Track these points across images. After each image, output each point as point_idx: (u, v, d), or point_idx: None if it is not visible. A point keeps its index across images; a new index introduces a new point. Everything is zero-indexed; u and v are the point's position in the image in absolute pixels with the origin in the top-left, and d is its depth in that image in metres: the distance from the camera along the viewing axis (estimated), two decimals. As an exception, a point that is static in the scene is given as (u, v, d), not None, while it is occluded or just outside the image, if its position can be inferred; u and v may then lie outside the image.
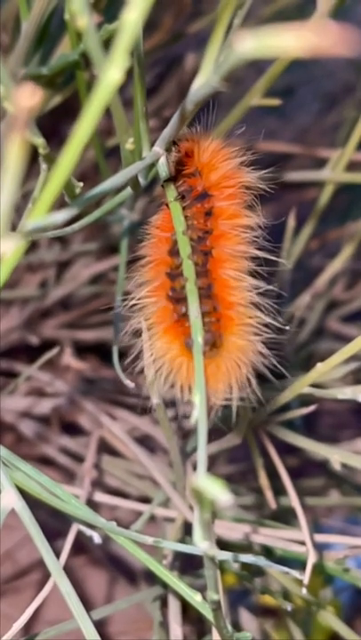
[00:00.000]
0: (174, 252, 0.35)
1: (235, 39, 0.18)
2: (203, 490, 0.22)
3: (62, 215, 0.23)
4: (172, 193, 0.34)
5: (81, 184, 0.33)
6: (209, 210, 0.35)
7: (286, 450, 0.49)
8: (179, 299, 0.35)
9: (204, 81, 0.26)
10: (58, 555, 0.36)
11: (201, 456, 0.27)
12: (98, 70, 0.23)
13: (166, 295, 0.35)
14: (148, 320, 0.36)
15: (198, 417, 0.28)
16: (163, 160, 0.34)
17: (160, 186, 0.36)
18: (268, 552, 0.47)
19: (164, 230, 0.36)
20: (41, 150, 0.30)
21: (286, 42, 0.16)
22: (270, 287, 0.35)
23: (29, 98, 0.16)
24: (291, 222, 0.56)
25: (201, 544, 0.25)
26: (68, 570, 0.35)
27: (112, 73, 0.20)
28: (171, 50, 0.65)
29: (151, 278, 0.36)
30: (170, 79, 0.68)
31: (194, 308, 0.31)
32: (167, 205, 0.35)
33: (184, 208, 0.35)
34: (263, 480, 0.48)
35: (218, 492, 0.21)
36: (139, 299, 0.36)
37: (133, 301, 0.36)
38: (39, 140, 0.29)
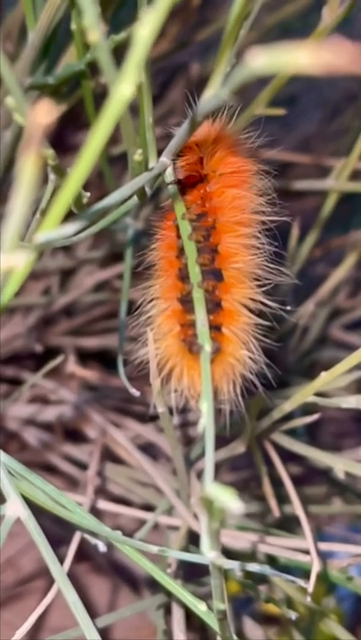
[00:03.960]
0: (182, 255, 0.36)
1: (247, 55, 0.18)
2: (212, 498, 0.22)
3: (72, 227, 0.23)
4: (180, 208, 0.35)
5: (88, 194, 0.33)
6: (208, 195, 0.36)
7: (288, 457, 0.49)
8: (186, 300, 0.35)
9: (214, 93, 0.26)
10: (61, 562, 0.36)
11: (209, 464, 0.27)
12: (108, 84, 0.23)
13: (176, 298, 0.36)
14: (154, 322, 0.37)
15: (206, 424, 0.28)
16: (170, 171, 0.34)
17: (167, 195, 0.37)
18: (271, 560, 0.47)
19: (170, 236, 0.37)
20: (50, 162, 0.30)
21: (300, 59, 0.16)
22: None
23: (45, 115, 0.16)
24: (294, 231, 0.56)
25: (209, 553, 0.25)
26: (70, 577, 0.35)
27: (123, 88, 0.20)
28: (175, 58, 0.65)
29: (162, 282, 0.37)
30: (175, 87, 0.68)
31: (201, 316, 0.31)
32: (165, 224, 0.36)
33: (185, 193, 0.36)
34: (267, 488, 0.48)
35: (228, 500, 0.21)
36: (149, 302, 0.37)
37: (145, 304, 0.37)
38: (48, 152, 0.29)
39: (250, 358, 0.36)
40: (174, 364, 0.37)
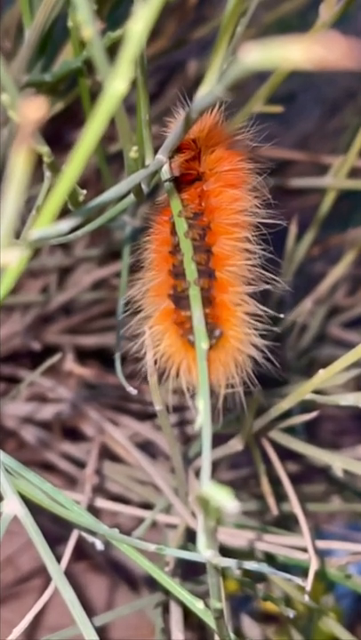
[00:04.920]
0: (176, 250, 0.35)
1: (240, 50, 0.18)
2: (208, 497, 0.22)
3: (67, 224, 0.23)
4: (176, 205, 0.35)
5: (84, 192, 0.33)
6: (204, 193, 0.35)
7: (286, 455, 0.49)
8: (180, 297, 0.35)
9: (209, 90, 0.26)
10: (59, 561, 0.36)
11: (205, 462, 0.27)
12: (103, 80, 0.23)
13: (168, 295, 0.36)
14: (149, 320, 0.37)
15: (203, 422, 0.28)
16: (166, 168, 0.34)
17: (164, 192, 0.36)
18: (269, 558, 0.47)
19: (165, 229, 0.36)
20: (45, 159, 0.30)
21: (292, 54, 0.16)
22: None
23: (36, 110, 0.16)
24: (293, 229, 0.56)
25: (205, 552, 0.25)
26: (68, 576, 0.35)
27: (117, 84, 0.20)
28: (173, 56, 0.65)
29: (154, 277, 0.36)
30: (172, 85, 0.68)
31: (197, 313, 0.31)
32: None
33: (182, 191, 0.36)
34: (265, 486, 0.48)
35: (224, 499, 0.21)
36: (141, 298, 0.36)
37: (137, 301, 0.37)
38: (44, 149, 0.29)
39: (253, 339, 0.36)
40: (180, 360, 0.37)
